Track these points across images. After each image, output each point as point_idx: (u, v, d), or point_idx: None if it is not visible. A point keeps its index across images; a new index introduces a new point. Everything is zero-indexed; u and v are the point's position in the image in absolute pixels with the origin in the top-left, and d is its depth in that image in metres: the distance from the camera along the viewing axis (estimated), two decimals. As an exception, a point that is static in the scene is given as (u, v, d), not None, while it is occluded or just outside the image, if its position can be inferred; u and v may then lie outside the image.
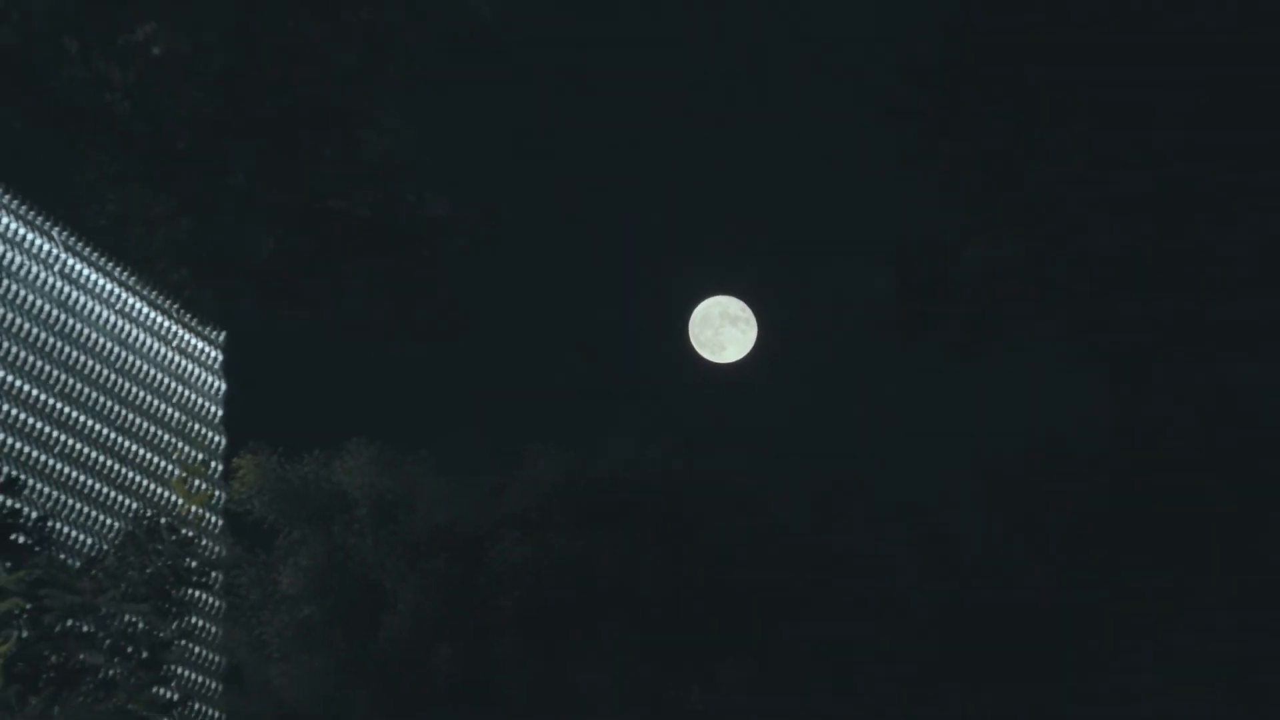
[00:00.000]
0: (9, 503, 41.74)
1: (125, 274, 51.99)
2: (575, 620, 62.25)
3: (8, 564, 38.20)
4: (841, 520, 65.51)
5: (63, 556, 40.57)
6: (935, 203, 41.84)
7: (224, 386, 59.20)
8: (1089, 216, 39.45)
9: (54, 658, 38.86)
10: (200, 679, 49.79)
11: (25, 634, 37.68)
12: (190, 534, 42.65)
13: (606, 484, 64.80)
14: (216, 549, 50.76)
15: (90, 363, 53.62)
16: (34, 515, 42.06)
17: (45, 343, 50.09)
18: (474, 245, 32.51)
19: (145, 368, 55.40)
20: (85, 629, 39.13)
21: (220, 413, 58.61)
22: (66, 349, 51.60)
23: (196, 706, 49.55)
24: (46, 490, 45.48)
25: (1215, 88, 37.54)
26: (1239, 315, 39.84)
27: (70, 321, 52.39)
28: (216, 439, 56.63)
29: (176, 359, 56.85)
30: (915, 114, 40.18)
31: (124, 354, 54.91)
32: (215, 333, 58.14)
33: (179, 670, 43.26)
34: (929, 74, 39.57)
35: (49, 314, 50.59)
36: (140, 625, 39.82)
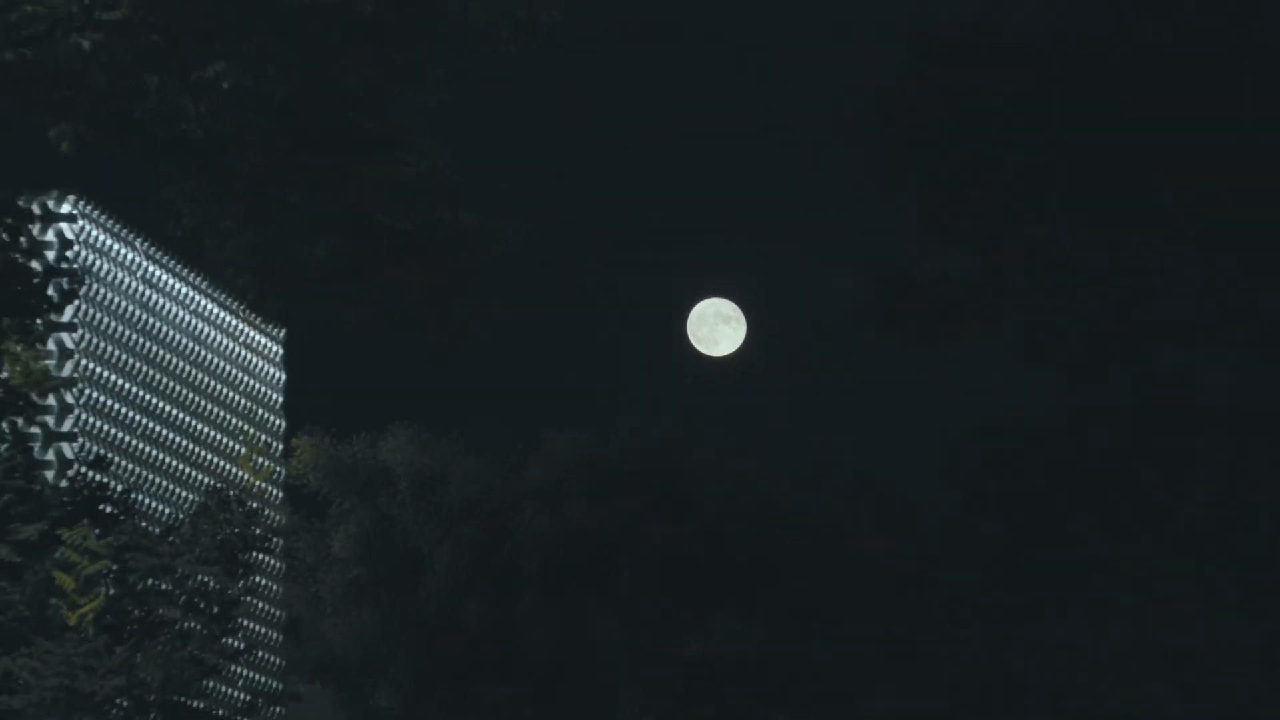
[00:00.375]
0: (98, 477, 41.85)
1: (198, 279, 52.32)
2: (588, 580, 62.46)
3: (97, 530, 38.30)
4: (819, 491, 65.69)
5: (144, 524, 40.69)
6: (902, 218, 42.10)
7: (284, 377, 59.69)
8: (1034, 231, 39.68)
9: (137, 612, 38.97)
10: (263, 630, 50.12)
11: (112, 591, 37.80)
12: (255, 505, 42.83)
13: (615, 462, 64.96)
14: (277, 518, 50.99)
15: (168, 356, 53.95)
16: (120, 489, 42.21)
17: (129, 339, 50.40)
18: (500, 255, 32.64)
19: (215, 360, 55.78)
20: (164, 587, 39.22)
21: (280, 399, 59.08)
22: (147, 344, 51.88)
23: (260, 654, 49.86)
24: (131, 467, 45.78)
25: (1143, 114, 37.68)
26: (1165, 315, 39.99)
27: (150, 320, 52.63)
28: (277, 422, 57.06)
29: (242, 353, 57.19)
30: (886, 143, 40.62)
31: (197, 348, 55.28)
32: (276, 330, 58.51)
33: (245, 623, 43.49)
34: (899, 109, 39.85)
35: (132, 314, 50.80)
36: (211, 584, 39.93)
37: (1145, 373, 40.71)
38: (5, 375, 35.66)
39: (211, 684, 40.67)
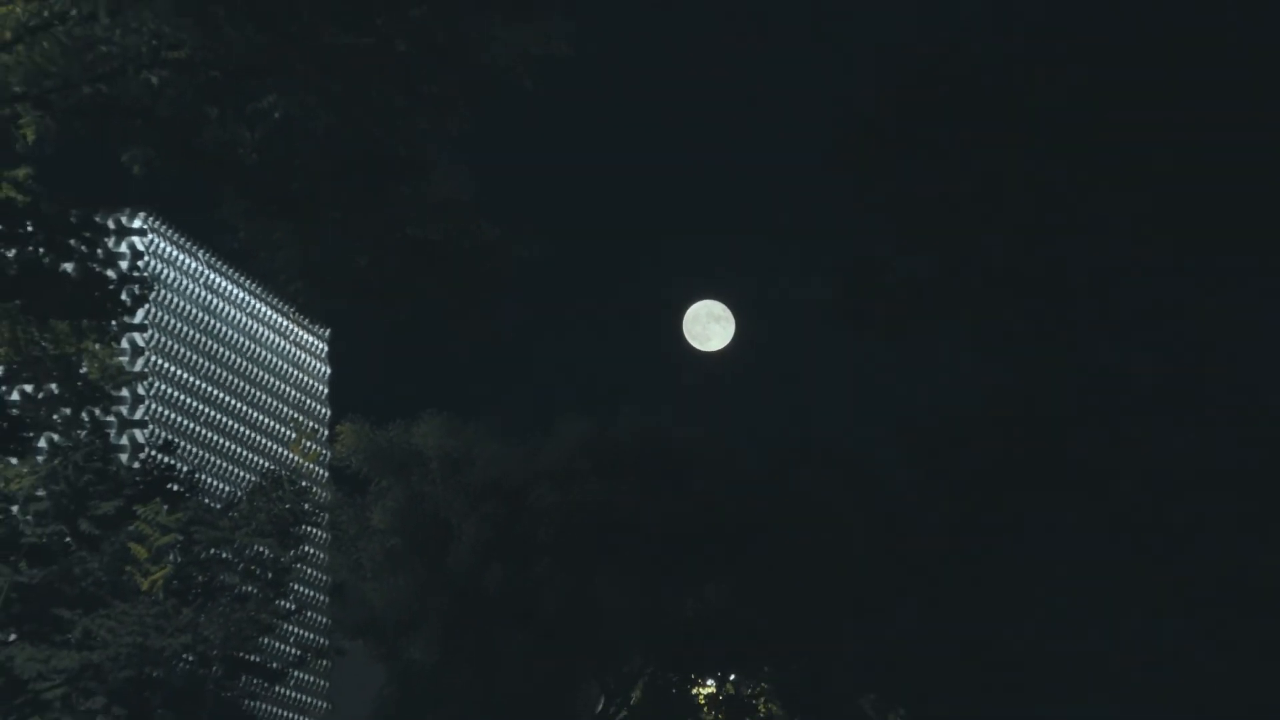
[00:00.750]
0: (166, 460, 41.96)
1: (253, 285, 52.38)
2: (594, 548, 62.65)
3: (166, 507, 38.38)
4: (797, 468, 65.82)
5: (207, 501, 40.79)
6: (870, 231, 42.24)
7: (329, 371, 59.59)
8: (984, 239, 39.88)
9: (200, 578, 39.01)
10: (311, 593, 50.12)
11: (179, 560, 37.88)
12: (304, 484, 42.99)
13: (619, 444, 65.13)
14: (324, 495, 51.09)
15: (226, 353, 53.91)
16: (185, 470, 42.32)
17: (192, 338, 50.38)
18: (519, 263, 32.72)
19: (268, 356, 55.73)
20: (224, 556, 39.27)
21: (326, 391, 59.02)
22: (208, 342, 51.84)
23: (308, 614, 49.89)
24: (195, 450, 45.81)
25: (1084, 137, 37.86)
26: (1097, 313, 40.11)
27: (211, 321, 52.56)
28: (323, 411, 57.07)
29: (292, 350, 57.08)
30: (858, 165, 40.80)
31: (252, 346, 55.24)
32: (322, 330, 58.47)
33: (295, 587, 43.50)
34: (869, 137, 40.07)
35: (195, 316, 50.73)
36: (266, 553, 40.02)
37: (1079, 364, 40.98)
38: (85, 370, 35.63)
39: (266, 640, 40.74)
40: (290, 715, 51.56)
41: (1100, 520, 40.76)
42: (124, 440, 39.73)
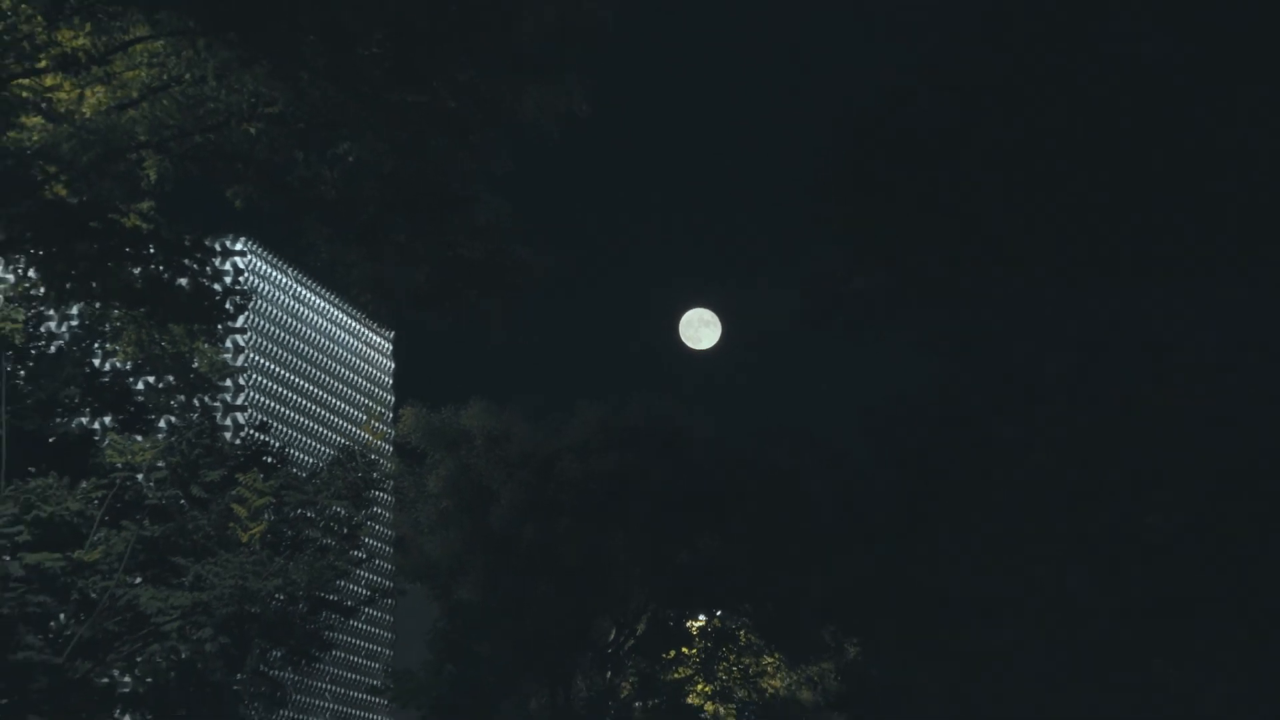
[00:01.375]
0: (262, 437, 42.10)
1: (331, 296, 52.45)
2: (608, 510, 62.79)
3: (261, 475, 38.45)
4: (774, 445, 66.11)
5: (295, 471, 40.87)
6: (832, 251, 42.74)
7: (393, 365, 59.79)
8: (926, 258, 40.34)
9: (289, 533, 39.03)
10: (379, 545, 50.29)
11: (272, 518, 37.93)
12: (373, 456, 43.00)
13: (628, 425, 65.33)
14: (389, 465, 51.37)
15: (310, 350, 53.96)
16: (277, 445, 42.47)
17: (283, 339, 50.41)
18: (547, 279, 32.78)
19: (344, 354, 55.82)
20: (309, 515, 39.35)
21: (391, 381, 59.20)
22: (295, 342, 51.87)
23: (376, 562, 50.03)
24: (285, 430, 45.90)
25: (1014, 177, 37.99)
26: (1017, 320, 40.36)
27: (297, 325, 52.56)
28: (389, 398, 57.25)
29: (363, 348, 57.14)
30: (823, 198, 41.18)
31: (330, 345, 55.31)
32: (387, 331, 58.55)
33: (365, 540, 43.47)
34: (832, 176, 40.44)
35: (285, 321, 50.73)
36: (342, 513, 40.04)
37: (999, 361, 41.33)
38: (196, 365, 35.68)
39: (342, 583, 40.82)
40: (362, 644, 51.75)
41: (1017, 486, 41.13)
42: (227, 421, 39.40)
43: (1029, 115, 38.07)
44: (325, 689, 45.61)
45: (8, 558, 33.83)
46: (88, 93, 28.49)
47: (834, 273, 41.08)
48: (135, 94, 28.47)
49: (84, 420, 38.17)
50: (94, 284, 31.11)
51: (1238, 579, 38.47)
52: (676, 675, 66.27)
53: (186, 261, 31.18)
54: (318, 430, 49.37)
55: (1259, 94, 35.75)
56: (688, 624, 66.62)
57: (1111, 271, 37.35)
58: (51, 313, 36.37)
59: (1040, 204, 38.27)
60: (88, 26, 27.34)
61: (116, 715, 36.36)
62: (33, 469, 35.88)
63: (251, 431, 40.63)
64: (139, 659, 35.81)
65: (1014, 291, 38.36)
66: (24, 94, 28.10)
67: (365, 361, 53.90)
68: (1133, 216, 37.17)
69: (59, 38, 27.33)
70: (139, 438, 37.76)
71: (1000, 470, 39.65)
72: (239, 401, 44.32)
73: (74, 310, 35.59)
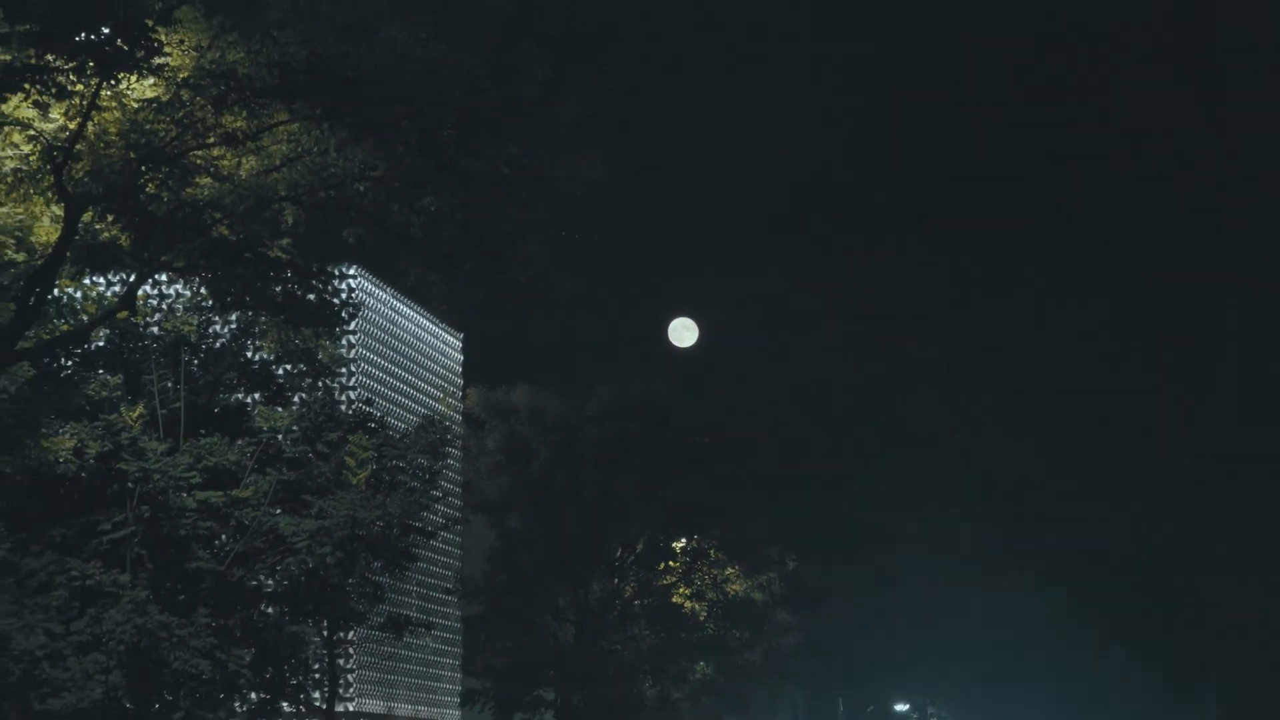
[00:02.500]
0: (367, 410, 42.15)
1: (417, 307, 52.29)
2: (615, 461, 63.16)
3: (366, 436, 38.56)
4: (737, 417, 66.41)
5: (390, 433, 40.95)
6: (780, 273, 42.80)
7: (462, 358, 59.54)
8: (844, 283, 40.44)
9: (386, 478, 39.13)
10: (451, 486, 50.11)
11: (374, 468, 38.20)
12: (447, 424, 43.10)
13: (631, 402, 65.56)
14: (459, 430, 51.34)
15: (402, 347, 53.70)
16: (379, 415, 42.60)
17: (382, 338, 50.15)
18: (574, 297, 32.80)
19: (425, 349, 55.53)
20: (401, 465, 39.43)
21: (460, 369, 58.93)
22: (392, 340, 51.59)
23: (449, 499, 50.01)
24: (384, 404, 45.78)
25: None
26: (912, 325, 40.43)
27: (392, 328, 52.32)
28: (459, 381, 57.01)
29: (440, 345, 56.77)
30: (773, 230, 41.16)
31: (416, 342, 55.04)
32: (458, 334, 58.24)
33: (441, 483, 43.59)
34: (781, 217, 40.37)
35: (384, 325, 50.49)
36: (424, 464, 40.15)
37: (896, 356, 41.30)
38: (320, 357, 35.76)
39: (424, 514, 40.94)
40: (438, 558, 51.87)
41: (909, 445, 41.10)
42: (342, 398, 39.44)
43: (912, 183, 38.14)
44: (411, 590, 45.48)
45: (185, 494, 34.00)
46: (243, 161, 28.61)
47: (780, 293, 41.31)
48: (278, 161, 28.61)
49: (239, 396, 38.35)
50: (247, 298, 31.26)
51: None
52: (665, 582, 66.45)
53: (314, 282, 31.30)
54: (406, 404, 48.53)
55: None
56: (673, 545, 66.79)
57: (973, 297, 37.60)
58: (217, 319, 36.51)
59: (913, 248, 38.57)
60: (244, 113, 27.49)
61: (261, 608, 36.49)
62: (203, 431, 36.05)
63: (359, 405, 40.75)
64: (278, 568, 35.94)
65: (913, 308, 38.56)
66: (198, 161, 28.22)
67: (441, 355, 52.93)
68: (988, 257, 37.27)
69: (224, 121, 27.46)
70: (279, 409, 37.92)
71: (897, 432, 39.80)
72: (350, 383, 43.53)
73: (233, 317, 35.76)
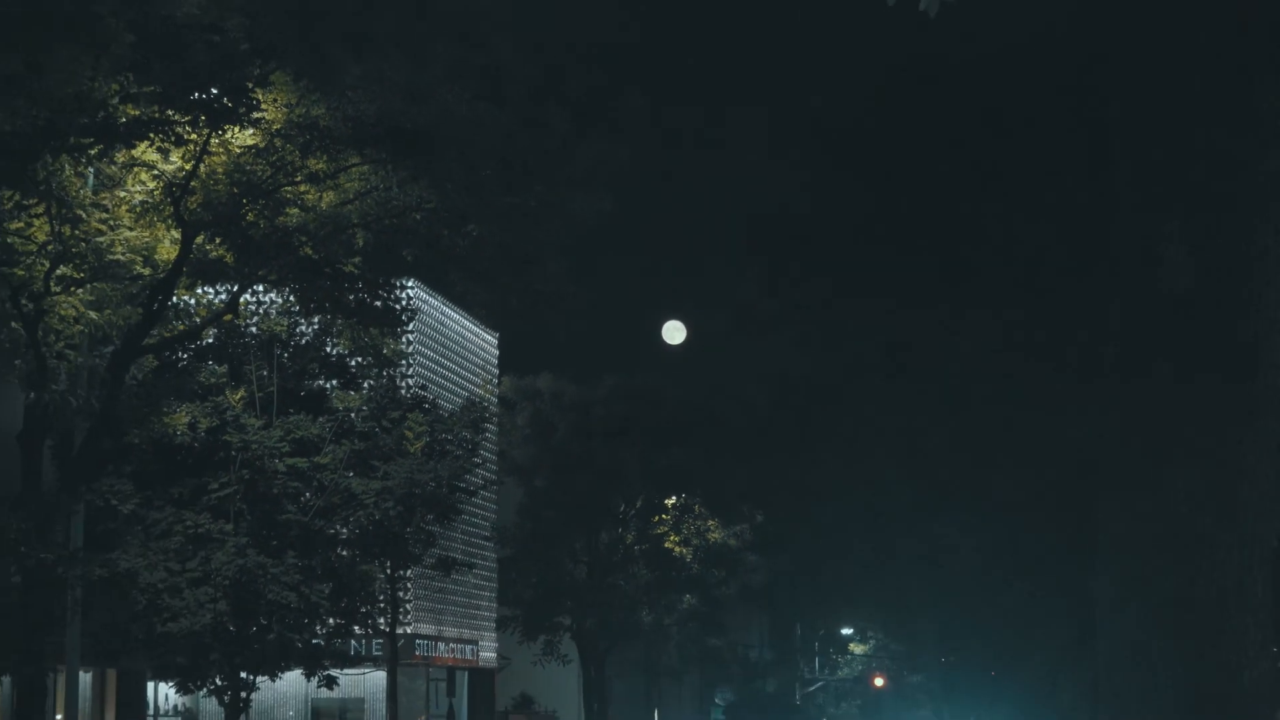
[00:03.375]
0: (421, 393, 41.90)
1: (462, 311, 52.13)
2: (621, 433, 62.91)
3: (421, 415, 38.35)
4: (716, 400, 66.05)
5: (441, 412, 40.69)
6: (759, 285, 41.62)
7: (498, 353, 59.21)
8: (800, 291, 39.31)
9: (438, 448, 38.88)
10: (489, 455, 49.83)
11: (427, 439, 37.87)
12: (486, 404, 42.95)
13: (633, 388, 65.40)
14: (495, 409, 50.99)
15: (449, 342, 53.42)
16: (431, 397, 42.39)
17: (434, 336, 49.92)
18: (587, 304, 32.79)
19: (468, 346, 55.26)
20: (448, 437, 39.20)
21: (496, 361, 58.55)
22: (441, 338, 51.30)
23: (487, 465, 49.76)
24: (435, 389, 45.42)
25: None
26: (853, 331, 39.13)
27: (442, 329, 52.08)
28: (495, 370, 56.66)
29: (480, 343, 56.46)
30: (756, 249, 39.89)
31: (461, 341, 54.78)
32: (494, 333, 58.04)
33: (481, 452, 43.43)
34: (762, 233, 39.07)
35: (435, 326, 50.22)
36: (467, 436, 39.97)
37: (841, 351, 40.25)
38: (385, 351, 35.66)
39: (467, 477, 40.78)
40: (478, 512, 51.68)
41: (857, 421, 39.86)
42: (402, 384, 39.35)
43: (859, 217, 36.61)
44: (457, 537, 45.41)
45: (276, 461, 33.97)
46: (324, 195, 28.59)
47: (751, 302, 40.42)
48: (351, 195, 28.61)
49: (320, 383, 38.20)
50: (326, 304, 31.20)
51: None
52: (658, 531, 66.40)
53: (379, 292, 31.25)
54: (453, 389, 48.29)
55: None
56: (665, 502, 66.71)
57: (905, 306, 36.02)
58: (302, 321, 36.39)
59: (856, 266, 37.07)
60: (324, 158, 27.50)
61: (337, 551, 36.42)
62: (291, 410, 35.93)
63: (415, 390, 40.55)
64: (350, 519, 35.82)
65: (849, 315, 37.43)
66: (288, 195, 28.23)
67: (480, 350, 52.64)
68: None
69: (308, 163, 27.46)
70: (352, 393, 37.79)
71: (844, 411, 39.03)
72: (408, 373, 43.44)
73: (315, 319, 35.64)
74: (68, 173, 25.62)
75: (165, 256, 28.05)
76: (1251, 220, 6.08)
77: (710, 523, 66.55)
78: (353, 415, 36.82)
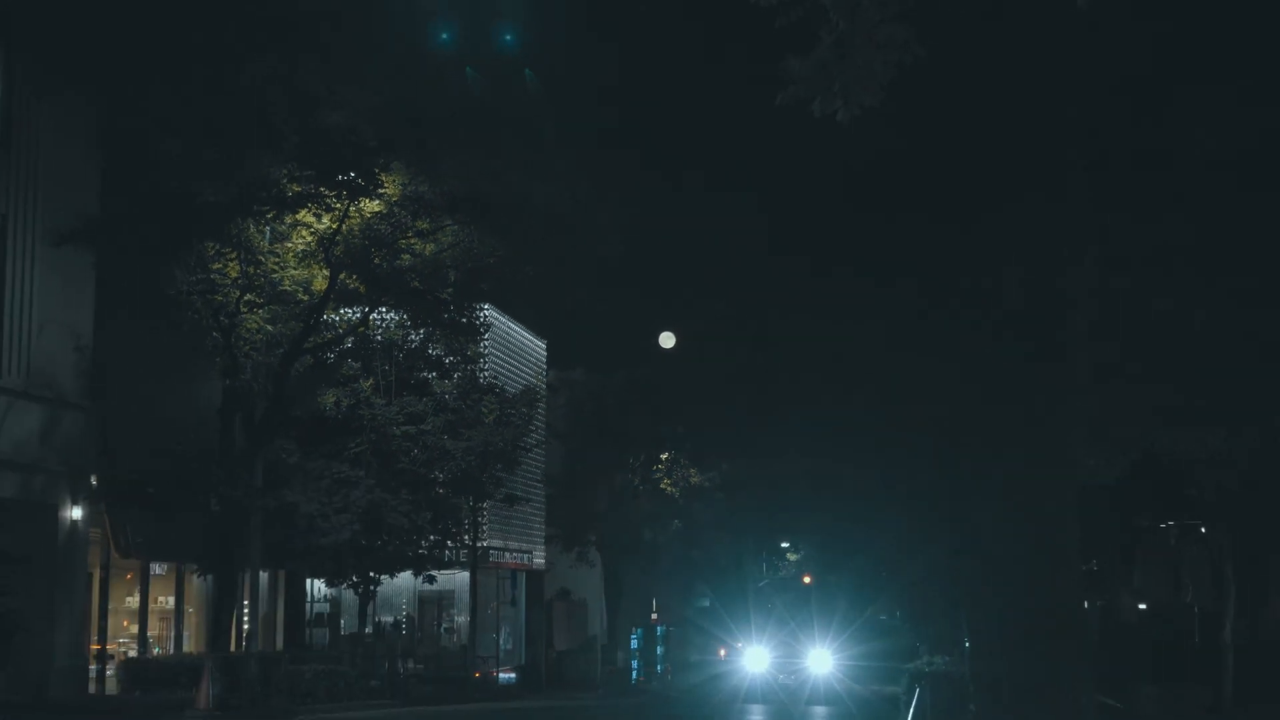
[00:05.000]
0: (494, 383, 41.22)
1: (521, 325, 51.65)
2: (629, 415, 61.82)
3: (493, 397, 37.73)
4: (694, 388, 64.94)
5: (507, 395, 40.03)
6: (726, 305, 38.64)
7: (546, 355, 58.23)
8: (770, 310, 36.70)
9: (504, 420, 38.22)
10: (539, 426, 48.67)
11: (497, 413, 37.46)
12: (537, 390, 42.61)
13: (640, 379, 64.21)
14: (544, 393, 50.23)
15: (510, 348, 52.77)
16: (499, 386, 41.78)
17: (500, 343, 49.40)
18: (606, 322, 32.33)
19: (523, 350, 54.64)
20: (512, 412, 38.75)
21: (545, 360, 57.69)
22: (506, 345, 50.79)
23: (537, 431, 48.69)
24: (503, 379, 44.84)
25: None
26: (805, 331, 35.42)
27: (506, 338, 51.46)
28: (544, 367, 55.88)
29: (533, 348, 55.81)
30: (725, 282, 36.61)
31: (520, 346, 54.09)
32: (543, 340, 57.52)
33: (535, 423, 43.04)
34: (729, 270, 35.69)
35: (501, 336, 49.71)
36: (525, 411, 39.57)
37: (796, 349, 37.19)
38: (468, 352, 35.43)
39: (525, 439, 40.47)
40: (533, 463, 51.58)
41: (800, 400, 36.87)
42: (480, 376, 39.27)
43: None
44: (518, 480, 45.46)
45: (395, 428, 33.82)
46: (427, 246, 28.61)
47: (723, 316, 37.97)
48: (445, 246, 28.59)
49: (424, 374, 38.05)
50: (429, 320, 31.23)
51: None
52: (656, 477, 65.96)
53: (465, 312, 31.29)
54: (514, 379, 48.40)
55: None
56: (661, 455, 66.20)
57: (838, 318, 32.89)
58: (412, 331, 36.29)
59: (805, 293, 33.94)
60: (427, 220, 27.57)
61: (436, 490, 36.06)
62: (404, 393, 35.81)
63: (488, 379, 40.23)
64: (445, 468, 35.68)
65: (797, 322, 34.98)
66: (402, 246, 28.27)
67: (533, 352, 52.71)
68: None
69: (416, 224, 27.53)
70: (446, 381, 37.63)
71: (791, 393, 36.75)
72: (484, 368, 43.53)
73: (420, 331, 35.51)
74: (252, 230, 26.10)
75: (318, 288, 28.20)
76: (1063, 263, 6.22)
77: (691, 471, 66.36)
78: (446, 396, 36.77)
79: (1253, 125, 14.04)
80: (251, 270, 25.68)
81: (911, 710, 12.85)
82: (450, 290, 29.65)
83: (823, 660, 49.39)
